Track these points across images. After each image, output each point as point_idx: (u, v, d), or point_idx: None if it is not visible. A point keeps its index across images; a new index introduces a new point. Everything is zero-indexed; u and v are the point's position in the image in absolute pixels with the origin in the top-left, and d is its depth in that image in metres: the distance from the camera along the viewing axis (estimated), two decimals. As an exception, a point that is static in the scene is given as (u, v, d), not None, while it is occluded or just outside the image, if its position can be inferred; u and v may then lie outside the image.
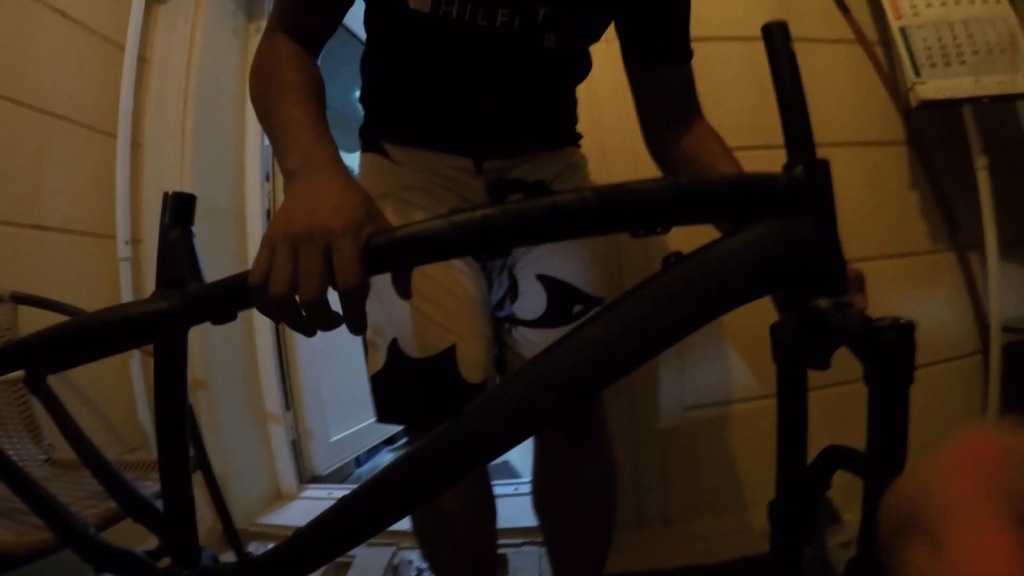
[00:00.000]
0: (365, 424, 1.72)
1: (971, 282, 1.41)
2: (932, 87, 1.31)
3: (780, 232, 0.45)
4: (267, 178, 1.53)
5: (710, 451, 1.23)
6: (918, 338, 0.42)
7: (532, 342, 0.78)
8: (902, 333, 0.41)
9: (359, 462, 1.81)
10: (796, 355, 0.50)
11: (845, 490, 1.22)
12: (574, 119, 0.86)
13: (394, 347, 0.71)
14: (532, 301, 0.78)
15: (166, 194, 0.55)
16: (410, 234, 0.44)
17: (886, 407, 0.44)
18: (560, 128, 0.84)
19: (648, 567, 1.17)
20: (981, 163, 1.34)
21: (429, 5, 0.63)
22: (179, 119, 1.42)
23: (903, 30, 1.33)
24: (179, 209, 0.54)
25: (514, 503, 1.29)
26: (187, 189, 1.40)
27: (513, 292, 0.79)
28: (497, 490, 1.23)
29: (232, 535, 0.97)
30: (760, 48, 1.40)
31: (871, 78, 1.38)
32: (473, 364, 0.71)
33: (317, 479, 1.52)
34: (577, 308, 0.77)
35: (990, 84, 1.34)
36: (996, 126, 1.42)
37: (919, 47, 1.32)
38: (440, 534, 0.80)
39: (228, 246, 1.44)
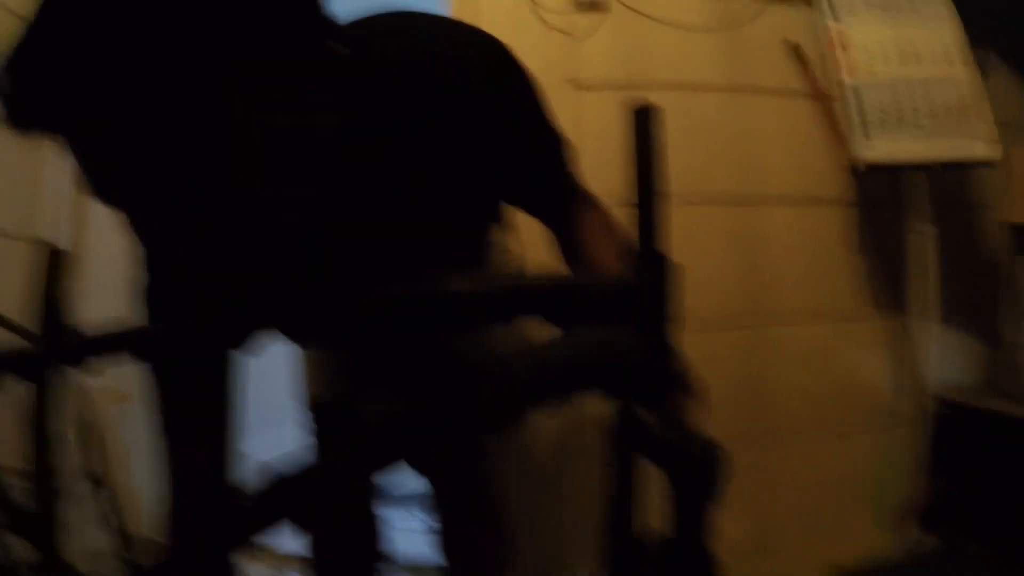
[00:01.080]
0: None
1: (911, 352, 1.38)
2: (882, 150, 1.26)
3: (605, 338, 0.44)
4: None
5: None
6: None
7: None
8: (708, 460, 0.39)
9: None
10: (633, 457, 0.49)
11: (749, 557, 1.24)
12: None
13: None
14: None
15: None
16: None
17: (686, 522, 0.42)
18: None
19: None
20: (927, 230, 1.31)
21: None
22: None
23: (855, 89, 1.28)
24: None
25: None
26: None
27: None
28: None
29: (128, 548, 1.01)
30: (704, 98, 1.36)
31: (820, 134, 1.34)
32: None
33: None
34: None
35: (943, 149, 1.29)
36: (946, 191, 1.38)
37: (872, 107, 1.28)
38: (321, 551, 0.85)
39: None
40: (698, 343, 1.26)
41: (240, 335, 0.51)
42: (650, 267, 0.43)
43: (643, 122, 0.44)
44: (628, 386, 0.44)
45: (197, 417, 0.58)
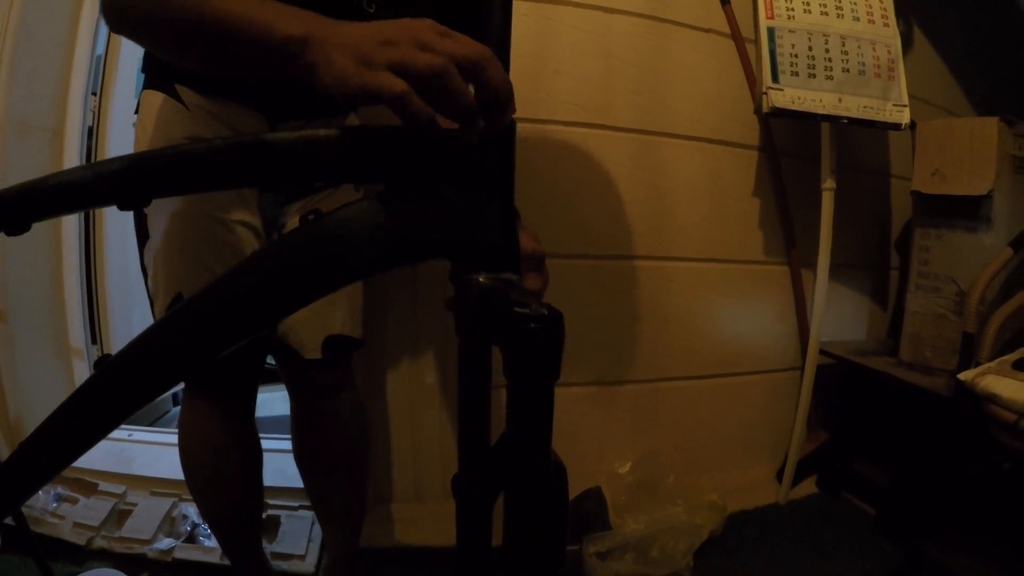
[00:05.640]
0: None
1: (800, 299, 1.42)
2: (789, 96, 1.26)
3: (435, 196, 0.41)
4: (93, 93, 1.40)
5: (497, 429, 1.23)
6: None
7: None
8: (547, 325, 0.35)
9: (176, 400, 1.76)
10: (476, 330, 0.45)
11: (631, 491, 1.27)
12: None
13: (179, 301, 0.71)
14: None
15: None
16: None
17: (525, 402, 0.38)
18: None
19: (425, 543, 1.19)
20: (828, 184, 1.32)
21: None
22: (2, 20, 1.26)
23: (771, 30, 1.26)
24: None
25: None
26: None
27: None
28: (277, 444, 1.23)
29: None
30: (616, 21, 1.32)
31: (737, 76, 1.32)
32: None
33: (124, 419, 1.46)
34: None
35: (853, 106, 1.29)
36: (853, 148, 1.39)
37: (784, 51, 1.26)
38: (207, 474, 0.83)
39: (40, 166, 1.33)
40: (592, 268, 1.27)
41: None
42: (495, 132, 0.41)
43: None
44: (469, 250, 0.41)
45: None
